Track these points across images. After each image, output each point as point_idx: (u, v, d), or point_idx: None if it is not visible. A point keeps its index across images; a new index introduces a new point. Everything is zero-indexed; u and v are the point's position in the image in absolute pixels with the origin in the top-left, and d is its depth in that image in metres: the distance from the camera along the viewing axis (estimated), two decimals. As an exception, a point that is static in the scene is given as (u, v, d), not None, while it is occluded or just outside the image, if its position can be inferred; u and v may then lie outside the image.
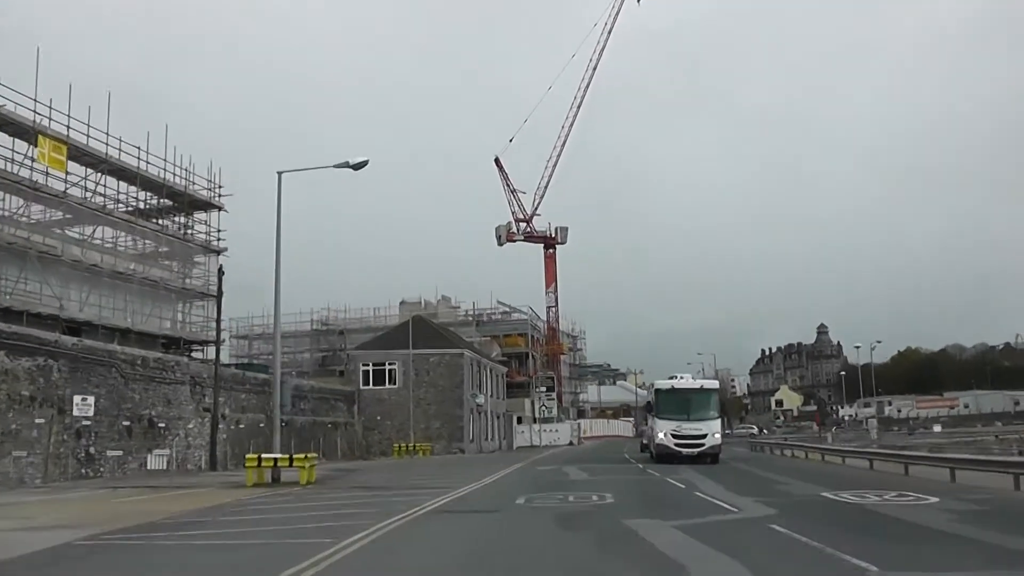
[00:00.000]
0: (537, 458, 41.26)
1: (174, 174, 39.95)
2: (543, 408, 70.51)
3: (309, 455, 24.51)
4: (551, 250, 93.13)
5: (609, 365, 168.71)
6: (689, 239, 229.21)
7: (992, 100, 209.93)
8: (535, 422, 70.25)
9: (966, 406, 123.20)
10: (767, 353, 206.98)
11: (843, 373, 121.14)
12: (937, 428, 57.89)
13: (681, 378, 32.85)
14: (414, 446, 47.27)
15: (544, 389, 71.50)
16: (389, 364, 53.36)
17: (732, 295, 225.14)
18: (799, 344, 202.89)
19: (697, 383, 33.22)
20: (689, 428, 29.49)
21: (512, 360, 78.62)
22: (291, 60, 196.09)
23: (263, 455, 23.19)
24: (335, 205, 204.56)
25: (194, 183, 41.24)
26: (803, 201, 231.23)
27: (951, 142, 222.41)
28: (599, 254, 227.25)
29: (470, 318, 79.52)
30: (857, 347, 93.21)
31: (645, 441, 40.62)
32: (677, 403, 30.45)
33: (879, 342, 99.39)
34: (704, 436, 29.42)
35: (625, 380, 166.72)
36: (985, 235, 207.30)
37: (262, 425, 38.89)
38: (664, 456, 29.73)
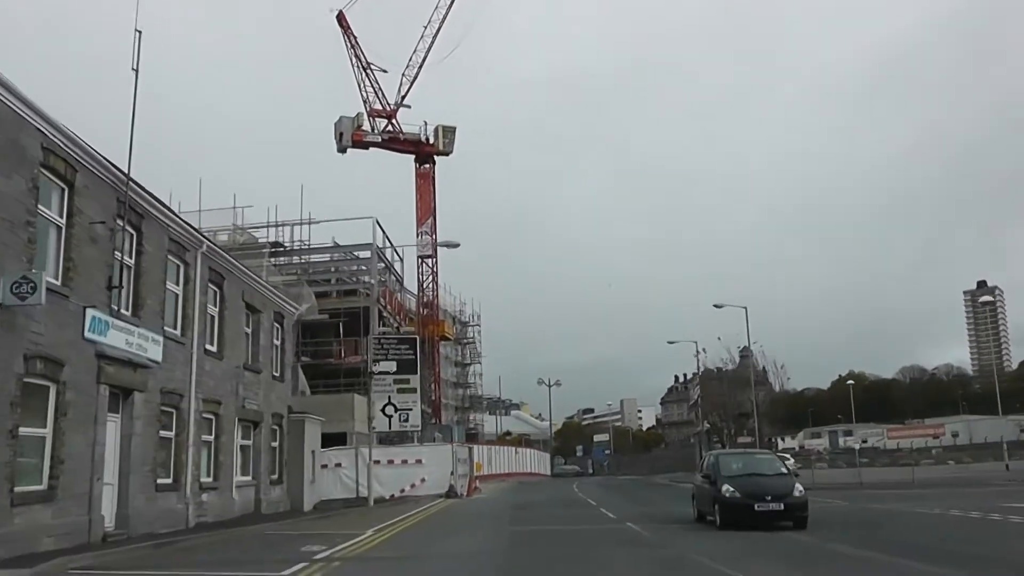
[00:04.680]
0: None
1: None
2: (391, 409, 31.49)
3: None
4: (427, 165, 57.13)
5: (499, 397, 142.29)
6: (584, 275, 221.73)
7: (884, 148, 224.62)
8: (375, 442, 31.95)
9: (955, 435, 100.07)
10: (680, 380, 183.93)
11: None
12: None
13: None
14: None
15: (394, 366, 30.76)
16: None
17: (632, 329, 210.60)
18: (718, 370, 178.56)
19: None
20: None
21: (347, 326, 42.05)
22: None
23: None
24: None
25: None
26: (699, 237, 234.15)
27: (842, 185, 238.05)
28: (493, 285, 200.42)
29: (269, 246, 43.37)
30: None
31: None
32: None
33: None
34: None
35: (519, 410, 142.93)
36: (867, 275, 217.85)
37: None
38: None
